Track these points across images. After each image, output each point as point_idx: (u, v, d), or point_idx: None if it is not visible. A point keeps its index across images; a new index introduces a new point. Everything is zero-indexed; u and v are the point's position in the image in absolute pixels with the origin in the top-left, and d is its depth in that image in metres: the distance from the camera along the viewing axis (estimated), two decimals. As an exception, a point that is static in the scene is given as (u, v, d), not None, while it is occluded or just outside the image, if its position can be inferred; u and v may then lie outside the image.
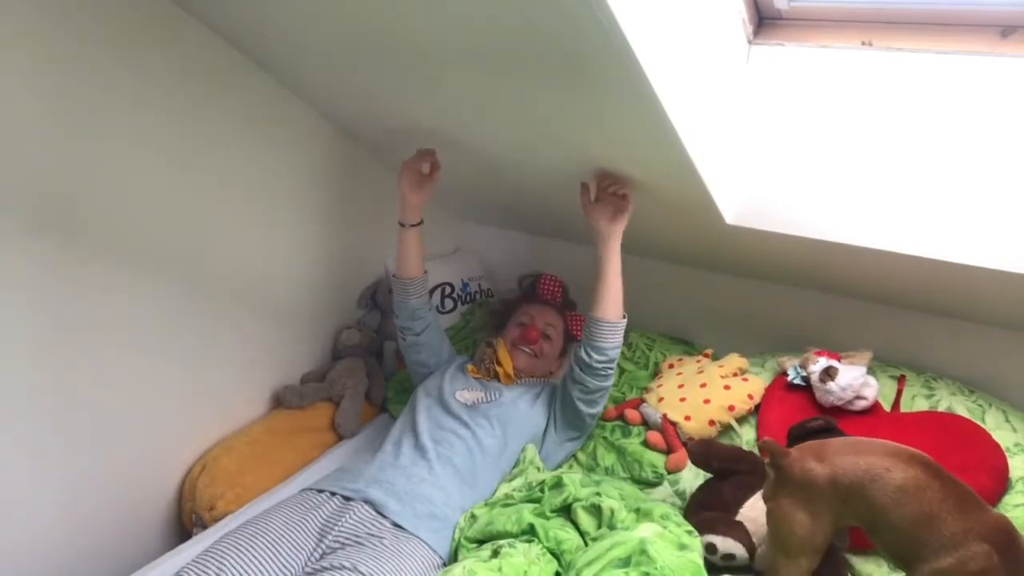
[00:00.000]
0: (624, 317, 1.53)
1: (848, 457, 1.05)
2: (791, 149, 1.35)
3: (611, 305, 1.50)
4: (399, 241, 1.69)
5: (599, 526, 1.28)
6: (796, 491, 1.08)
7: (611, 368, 1.54)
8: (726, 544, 1.21)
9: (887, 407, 1.50)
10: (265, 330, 1.81)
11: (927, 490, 0.99)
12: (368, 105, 1.64)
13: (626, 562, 1.10)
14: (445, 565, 1.31)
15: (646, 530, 1.17)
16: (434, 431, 1.53)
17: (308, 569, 1.23)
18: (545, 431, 1.64)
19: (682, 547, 1.14)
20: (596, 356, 1.51)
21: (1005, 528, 0.97)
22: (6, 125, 1.20)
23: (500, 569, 1.15)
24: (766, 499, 1.14)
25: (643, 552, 1.10)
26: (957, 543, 0.96)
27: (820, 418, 1.34)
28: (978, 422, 1.37)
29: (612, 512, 1.27)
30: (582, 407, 1.57)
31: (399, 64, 1.32)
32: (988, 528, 0.96)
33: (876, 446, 1.07)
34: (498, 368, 1.71)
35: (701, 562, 1.13)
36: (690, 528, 1.23)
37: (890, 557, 1.07)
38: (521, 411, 1.60)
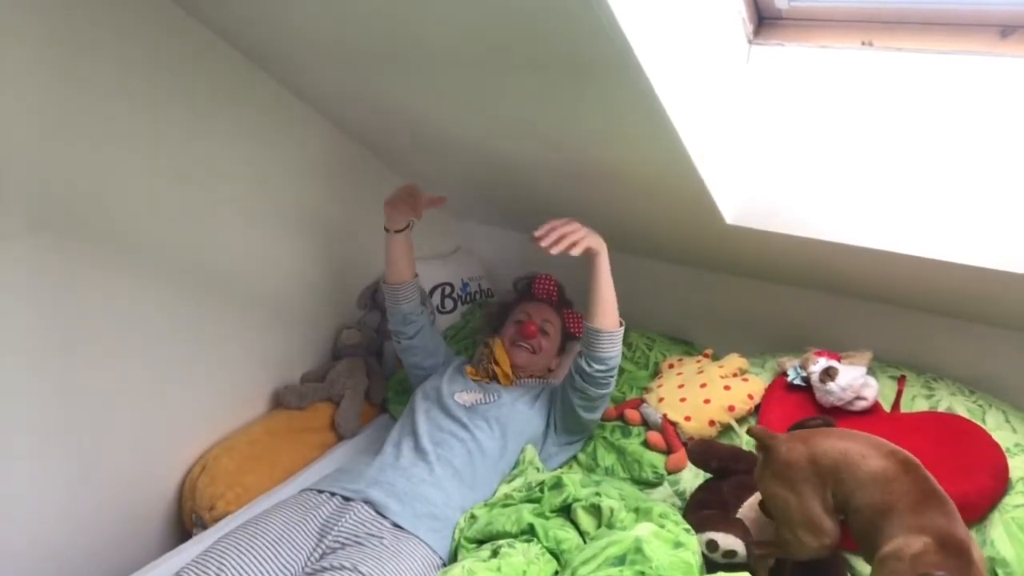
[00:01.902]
0: (622, 325, 1.52)
1: (830, 440, 1.10)
2: (791, 149, 1.35)
3: (607, 315, 1.49)
4: (385, 246, 1.68)
5: (599, 526, 1.28)
6: (778, 471, 1.12)
7: (612, 376, 1.53)
8: (727, 541, 1.21)
9: (887, 407, 1.50)
10: (265, 330, 1.81)
11: (894, 482, 1.02)
12: (368, 104, 1.64)
13: (621, 560, 1.11)
14: (445, 565, 1.31)
15: (642, 529, 1.17)
16: (434, 433, 1.53)
17: (308, 569, 1.23)
18: (545, 433, 1.64)
19: (677, 545, 1.14)
20: (597, 366, 1.50)
21: (958, 543, 0.95)
22: (6, 126, 1.20)
23: (499, 569, 1.15)
24: (756, 482, 1.19)
25: (638, 551, 1.10)
26: (903, 534, 0.98)
27: (819, 417, 1.34)
28: (978, 422, 1.37)
29: (612, 512, 1.27)
30: (583, 413, 1.57)
31: (398, 63, 1.32)
32: (940, 533, 0.96)
33: (860, 436, 1.11)
34: (496, 368, 1.71)
35: (694, 561, 1.13)
36: (688, 527, 1.23)
37: (860, 544, 1.09)
38: (520, 412, 1.60)
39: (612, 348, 1.50)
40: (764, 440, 1.16)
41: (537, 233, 1.41)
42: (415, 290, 1.72)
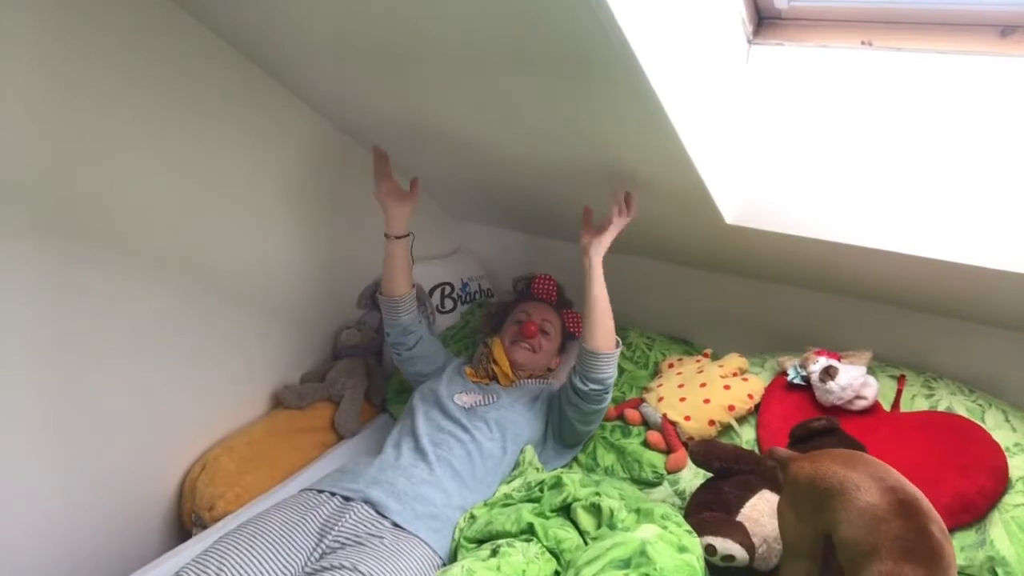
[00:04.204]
0: (618, 345, 1.51)
1: (834, 466, 1.03)
2: (791, 149, 1.35)
3: (605, 336, 1.48)
4: (386, 255, 1.65)
5: (599, 526, 1.28)
6: (789, 491, 1.10)
7: (607, 392, 1.53)
8: (725, 545, 1.21)
9: (887, 407, 1.50)
10: (265, 330, 1.81)
11: (884, 524, 0.92)
12: (368, 104, 1.64)
13: (626, 563, 1.10)
14: (445, 565, 1.31)
15: (647, 531, 1.17)
16: (433, 434, 1.53)
17: (308, 569, 1.23)
18: (544, 436, 1.64)
19: (682, 549, 1.14)
20: (593, 385, 1.50)
21: None
22: (6, 126, 1.20)
23: (499, 568, 1.15)
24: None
25: (643, 553, 1.10)
26: None
27: (823, 418, 1.34)
28: (978, 422, 1.37)
29: (612, 512, 1.27)
30: (579, 426, 1.59)
31: (398, 63, 1.32)
32: None
33: (868, 465, 1.01)
34: (495, 368, 1.71)
35: (697, 565, 1.13)
36: (690, 529, 1.23)
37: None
38: (519, 414, 1.60)
39: (609, 369, 1.50)
40: (780, 460, 1.13)
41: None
42: (413, 301, 1.71)
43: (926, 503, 0.95)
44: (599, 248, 1.48)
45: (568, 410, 1.56)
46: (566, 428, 1.60)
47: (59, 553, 1.43)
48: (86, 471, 1.45)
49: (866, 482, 0.97)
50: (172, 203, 1.49)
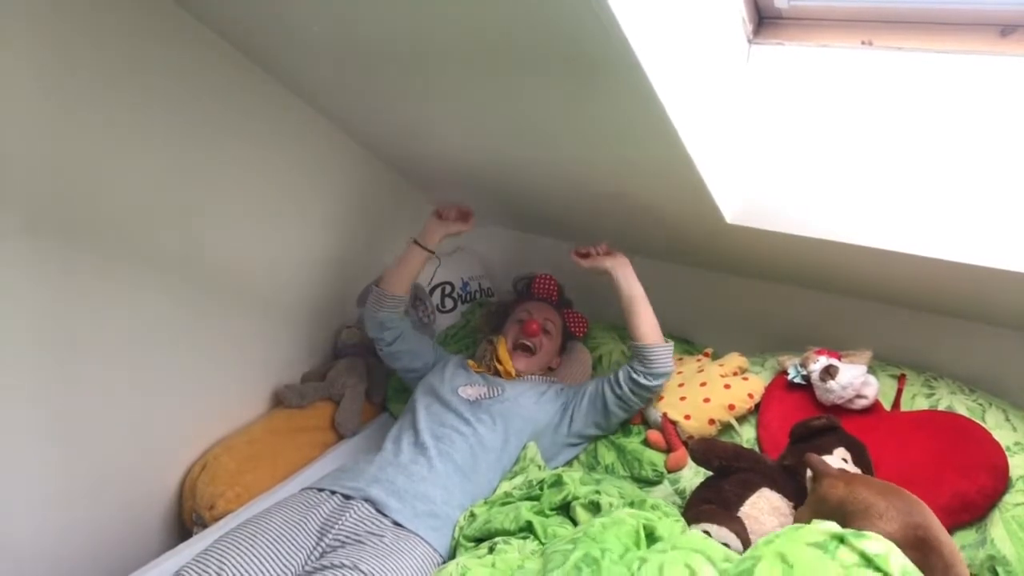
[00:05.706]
0: (668, 342, 1.60)
1: (866, 491, 1.01)
2: (791, 148, 1.35)
3: (655, 331, 1.58)
4: (405, 255, 1.72)
5: (599, 523, 1.29)
6: (814, 505, 1.10)
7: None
8: (720, 533, 1.21)
9: (887, 406, 1.50)
10: (265, 330, 1.81)
11: None
12: (367, 105, 1.64)
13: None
14: (445, 563, 1.31)
15: (621, 512, 1.17)
16: (435, 428, 1.53)
17: (308, 567, 1.23)
18: (552, 430, 1.63)
19: (647, 524, 1.14)
20: (659, 380, 1.57)
21: None
22: (5, 126, 1.20)
23: (493, 564, 1.15)
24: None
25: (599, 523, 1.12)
26: None
27: (823, 416, 1.34)
28: (978, 421, 1.37)
29: (611, 508, 1.27)
30: (618, 421, 1.64)
31: (399, 64, 1.32)
32: None
33: (902, 499, 0.99)
34: (498, 366, 1.71)
35: (642, 533, 1.12)
36: (678, 518, 1.23)
37: None
38: (523, 408, 1.60)
39: (669, 361, 1.58)
40: (816, 470, 1.13)
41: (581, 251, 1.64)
42: (400, 304, 1.74)
43: (950, 550, 0.90)
44: (625, 262, 1.61)
45: (617, 407, 1.60)
46: (602, 421, 1.63)
47: (59, 552, 1.43)
48: (86, 471, 1.45)
49: (891, 512, 0.95)
50: (172, 203, 1.49)
